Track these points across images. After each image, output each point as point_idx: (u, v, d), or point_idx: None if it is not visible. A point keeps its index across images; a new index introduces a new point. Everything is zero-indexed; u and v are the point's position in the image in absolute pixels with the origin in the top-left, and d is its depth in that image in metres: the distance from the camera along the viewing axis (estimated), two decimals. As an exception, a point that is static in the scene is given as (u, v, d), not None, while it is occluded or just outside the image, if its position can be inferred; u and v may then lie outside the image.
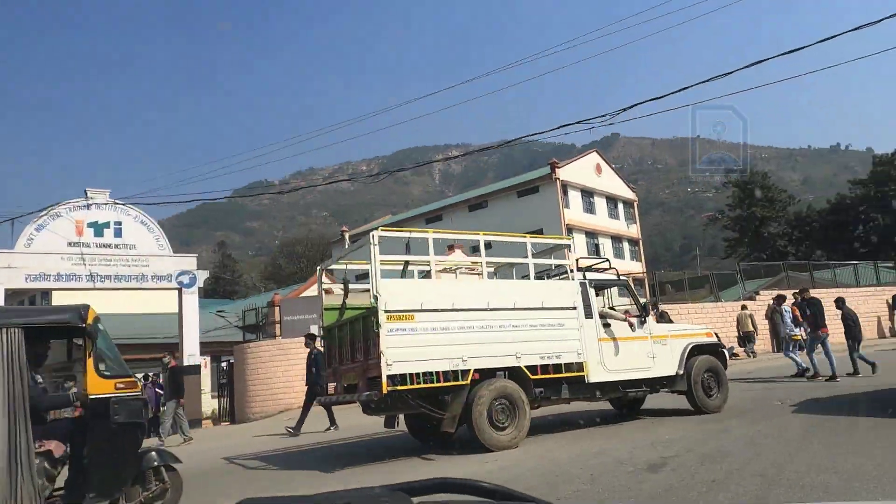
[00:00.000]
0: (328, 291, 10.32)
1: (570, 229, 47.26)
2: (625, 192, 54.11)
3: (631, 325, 9.55)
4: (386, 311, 7.66)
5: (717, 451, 6.66)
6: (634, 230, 54.09)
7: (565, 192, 47.80)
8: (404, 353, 7.63)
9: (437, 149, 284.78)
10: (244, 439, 12.71)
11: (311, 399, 12.17)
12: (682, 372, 9.74)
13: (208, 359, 21.00)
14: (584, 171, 50.02)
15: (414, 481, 1.32)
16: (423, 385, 7.72)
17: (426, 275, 8.92)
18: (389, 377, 7.51)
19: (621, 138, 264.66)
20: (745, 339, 21.08)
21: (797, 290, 16.96)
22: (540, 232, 47.80)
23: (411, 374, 7.66)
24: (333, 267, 10.01)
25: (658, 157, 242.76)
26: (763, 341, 21.71)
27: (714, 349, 10.34)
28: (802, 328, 15.31)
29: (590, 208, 50.32)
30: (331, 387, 9.27)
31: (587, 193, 50.23)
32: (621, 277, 10.60)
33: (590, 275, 9.76)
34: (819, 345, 13.50)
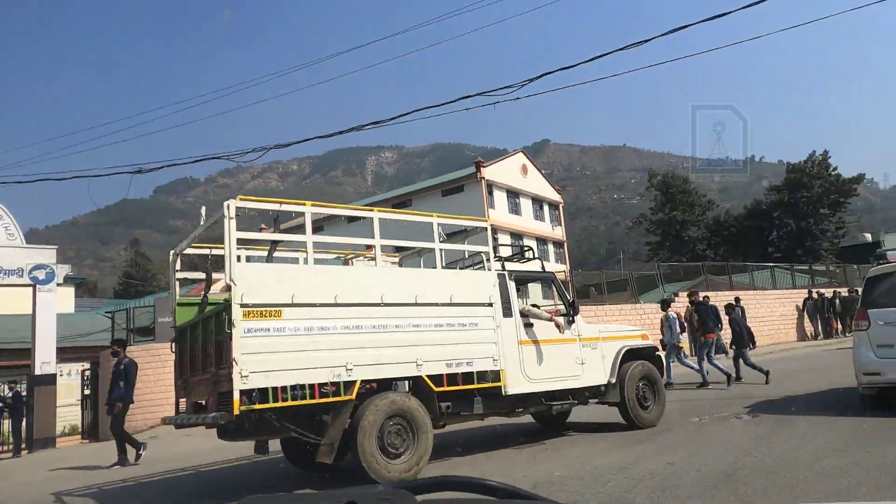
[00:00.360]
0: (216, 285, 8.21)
1: (494, 230, 46.31)
2: (550, 193, 53.60)
3: (558, 325, 8.03)
4: (242, 306, 5.79)
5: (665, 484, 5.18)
6: (560, 232, 53.61)
7: (490, 192, 46.74)
8: (267, 360, 5.79)
9: (370, 150, 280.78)
10: (96, 461, 10.50)
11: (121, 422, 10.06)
12: (614, 380, 8.30)
13: (79, 366, 18.33)
14: (510, 171, 49.11)
15: (418, 479, 1.04)
16: (292, 402, 5.90)
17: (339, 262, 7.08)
18: (244, 392, 5.65)
19: (551, 144, 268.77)
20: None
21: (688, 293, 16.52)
22: (464, 233, 46.51)
23: (276, 389, 5.81)
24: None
25: (587, 163, 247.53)
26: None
27: (650, 353, 8.98)
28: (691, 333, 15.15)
29: (515, 209, 49.45)
30: (181, 403, 7.27)
31: (513, 194, 49.36)
32: (546, 271, 9.11)
33: (510, 265, 8.20)
34: (707, 351, 13.32)
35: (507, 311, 7.56)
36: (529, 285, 11.80)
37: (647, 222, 56.84)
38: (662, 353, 16.49)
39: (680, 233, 53.58)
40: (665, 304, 14.53)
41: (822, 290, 26.02)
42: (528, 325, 7.76)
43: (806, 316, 25.38)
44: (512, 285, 7.77)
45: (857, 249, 42.44)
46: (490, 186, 46.66)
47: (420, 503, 1.19)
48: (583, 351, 8.11)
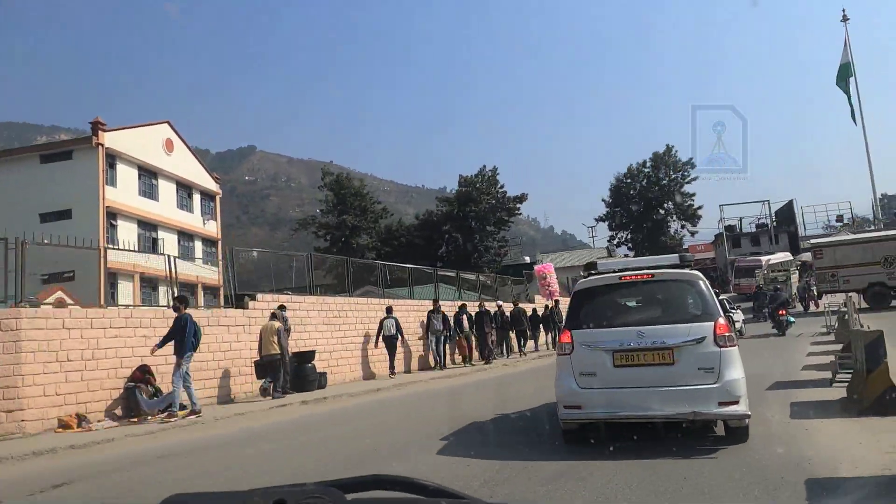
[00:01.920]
0: None
1: (113, 214, 36.17)
2: (206, 181, 44.98)
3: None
4: None
5: None
6: (213, 228, 45.20)
7: (112, 165, 36.57)
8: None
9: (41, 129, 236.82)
10: None
11: None
12: None
13: None
14: (146, 143, 39.27)
15: (347, 478, 1.31)
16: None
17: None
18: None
19: (258, 152, 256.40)
20: (267, 366, 13.66)
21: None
22: (67, 215, 35.71)
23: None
24: None
25: (293, 175, 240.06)
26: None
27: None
28: None
29: (150, 192, 39.80)
30: None
31: (149, 173, 39.68)
32: None
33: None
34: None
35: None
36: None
37: (314, 224, 51.36)
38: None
39: (350, 239, 49.02)
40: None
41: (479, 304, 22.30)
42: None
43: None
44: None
45: (516, 269, 41.96)
46: (112, 157, 36.47)
47: (350, 502, 1.18)
48: None
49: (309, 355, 14.82)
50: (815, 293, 32.28)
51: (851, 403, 7.78)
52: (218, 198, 46.67)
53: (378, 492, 1.30)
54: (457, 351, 21.04)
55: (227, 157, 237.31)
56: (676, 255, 7.88)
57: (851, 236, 38.44)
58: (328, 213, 51.11)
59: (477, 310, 21.07)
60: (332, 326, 16.95)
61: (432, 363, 19.28)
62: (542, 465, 5.94)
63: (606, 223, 57.74)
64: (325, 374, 15.22)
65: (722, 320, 6.25)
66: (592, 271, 7.38)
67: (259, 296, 15.18)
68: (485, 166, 52.28)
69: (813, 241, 35.15)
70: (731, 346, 6.14)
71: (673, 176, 53.17)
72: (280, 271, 23.16)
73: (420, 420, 10.23)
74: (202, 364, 12.66)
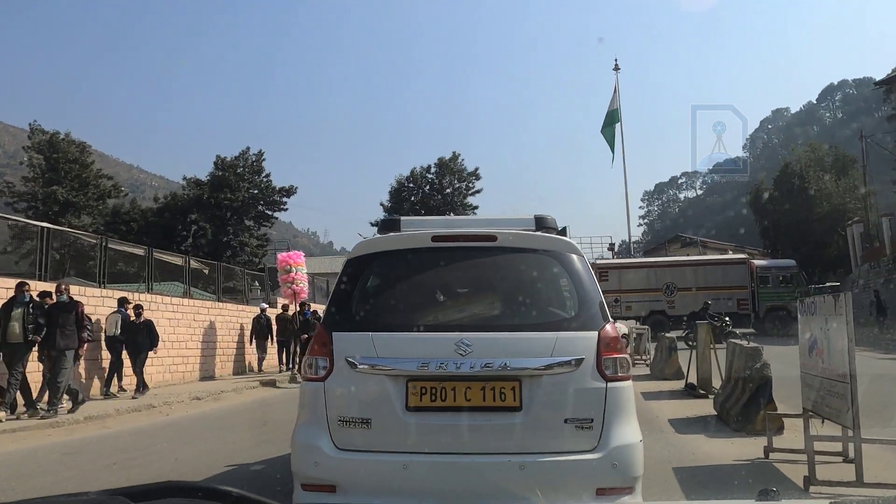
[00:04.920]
0: None
1: None
2: None
3: None
4: None
5: None
6: None
7: None
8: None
9: None
10: None
11: None
12: None
13: None
14: None
15: (137, 485, 1.14)
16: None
17: None
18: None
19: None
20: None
21: None
22: None
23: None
24: None
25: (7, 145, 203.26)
26: None
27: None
28: None
29: None
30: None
31: None
32: None
33: None
34: None
35: None
36: None
37: (8, 193, 39.36)
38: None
39: (59, 217, 38.03)
40: None
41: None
42: None
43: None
44: None
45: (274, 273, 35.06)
46: None
47: None
48: None
49: None
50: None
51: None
52: None
53: (173, 500, 1.15)
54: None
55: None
56: (532, 215, 4.24)
57: (638, 259, 37.75)
58: (34, 180, 39.50)
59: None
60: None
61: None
62: None
63: (382, 229, 51.91)
64: None
65: (611, 328, 3.56)
66: (391, 232, 4.06)
67: None
68: (248, 148, 44.40)
69: (599, 261, 33.30)
70: (623, 377, 3.49)
71: (457, 185, 49.94)
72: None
73: None
74: None
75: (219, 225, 42.38)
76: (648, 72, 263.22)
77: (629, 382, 3.56)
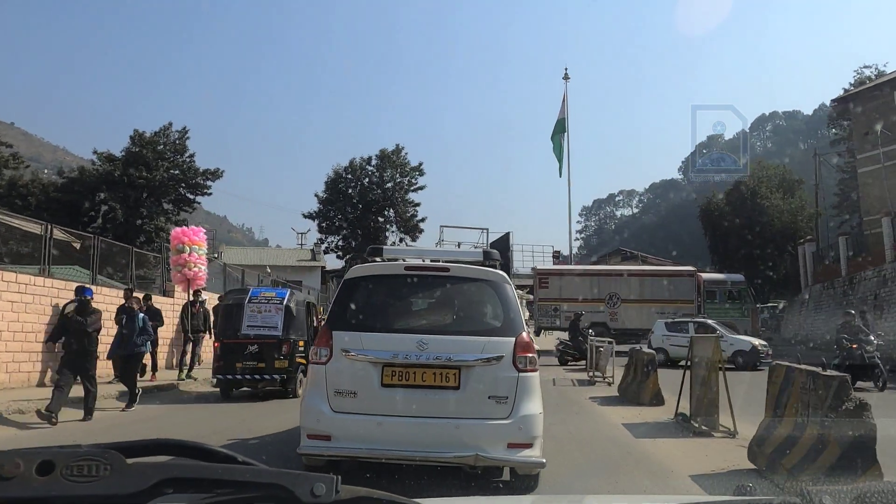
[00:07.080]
0: None
1: None
2: None
3: None
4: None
5: None
6: None
7: None
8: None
9: None
10: None
11: None
12: None
13: None
14: None
15: (127, 441, 1.17)
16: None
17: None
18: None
19: None
20: None
21: None
22: None
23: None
24: None
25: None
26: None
27: None
28: None
29: None
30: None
31: None
32: None
33: None
34: None
35: None
36: None
37: None
38: None
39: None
40: None
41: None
42: None
43: None
44: None
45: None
46: None
47: (131, 466, 1.07)
48: None
49: None
50: (532, 330, 28.46)
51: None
52: None
53: (164, 457, 1.18)
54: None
55: None
56: (480, 249, 6.71)
57: (581, 266, 36.02)
58: None
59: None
60: None
61: None
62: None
63: (316, 223, 49.01)
64: None
65: (526, 336, 5.42)
66: (376, 257, 6.17)
67: None
68: (171, 124, 40.33)
69: (540, 267, 31.29)
70: (531, 370, 5.32)
71: (399, 180, 47.16)
72: None
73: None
74: None
75: (132, 206, 38.24)
76: (594, 85, 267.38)
77: (536, 373, 5.33)
